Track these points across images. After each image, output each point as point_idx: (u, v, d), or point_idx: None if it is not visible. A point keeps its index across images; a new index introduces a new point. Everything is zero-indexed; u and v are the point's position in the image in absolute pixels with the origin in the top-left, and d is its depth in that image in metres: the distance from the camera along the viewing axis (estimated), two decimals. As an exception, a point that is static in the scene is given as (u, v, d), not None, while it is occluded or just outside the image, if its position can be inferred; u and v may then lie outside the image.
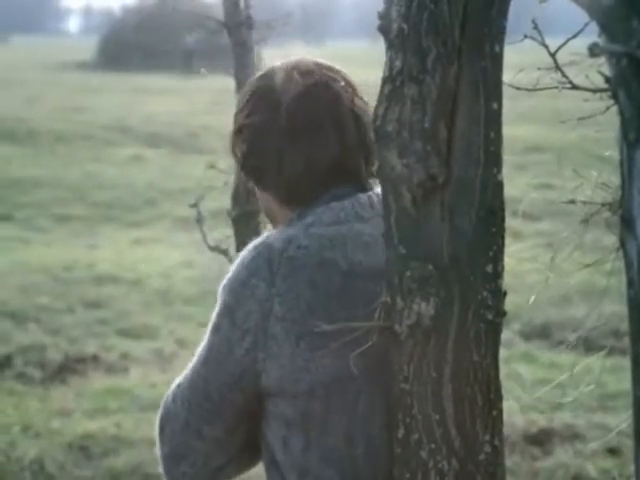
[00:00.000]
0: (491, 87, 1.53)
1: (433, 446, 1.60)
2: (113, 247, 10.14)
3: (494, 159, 1.55)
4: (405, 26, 1.50)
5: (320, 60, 1.91)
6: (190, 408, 1.94)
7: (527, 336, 6.98)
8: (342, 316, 1.73)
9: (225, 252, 3.21)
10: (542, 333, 7.07)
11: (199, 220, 3.34)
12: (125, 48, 47.17)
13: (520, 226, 10.96)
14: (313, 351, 1.73)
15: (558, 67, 1.78)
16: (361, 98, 1.88)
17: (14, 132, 19.93)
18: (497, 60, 1.54)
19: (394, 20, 1.51)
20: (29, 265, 8.79)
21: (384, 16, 1.53)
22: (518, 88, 1.84)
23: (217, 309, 1.87)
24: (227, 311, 1.84)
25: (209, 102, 26.70)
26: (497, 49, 1.53)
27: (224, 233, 3.05)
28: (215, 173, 3.27)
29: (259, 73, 1.94)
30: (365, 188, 1.90)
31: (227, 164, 3.04)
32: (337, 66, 1.92)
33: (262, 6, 3.33)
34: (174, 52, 44.08)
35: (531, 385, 5.95)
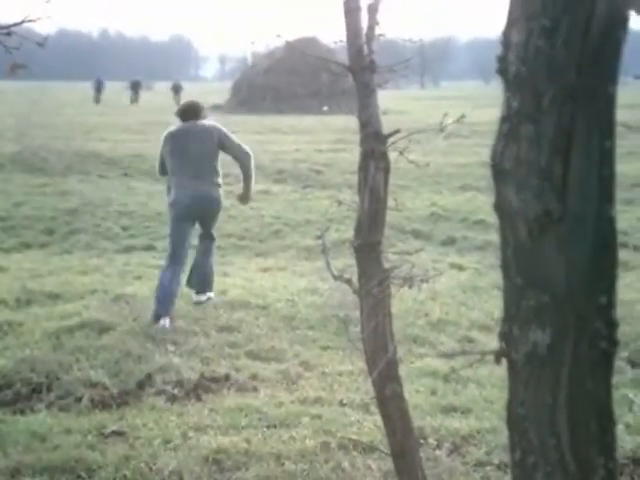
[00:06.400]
0: (605, 126, 1.50)
1: (549, 469, 1.56)
2: (244, 275, 10.26)
3: (607, 195, 1.51)
4: (523, 69, 1.48)
5: None
6: None
7: (635, 363, 6.79)
8: None
9: (349, 281, 3.21)
10: (650, 360, 6.86)
11: (324, 251, 3.35)
12: (256, 91, 47.94)
13: (628, 257, 10.71)
14: None
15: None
16: None
17: (157, 170, 20.39)
18: (611, 100, 1.51)
19: (512, 63, 1.50)
20: (168, 291, 8.93)
21: (502, 59, 1.51)
22: (630, 127, 1.79)
23: None
24: None
25: (333, 140, 26.91)
26: (611, 90, 1.50)
27: (345, 262, 3.05)
28: (336, 206, 3.29)
29: None
30: None
31: (349, 198, 3.06)
32: None
33: (382, 51, 3.33)
34: (301, 94, 44.53)
35: (639, 410, 5.78)
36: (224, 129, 8.27)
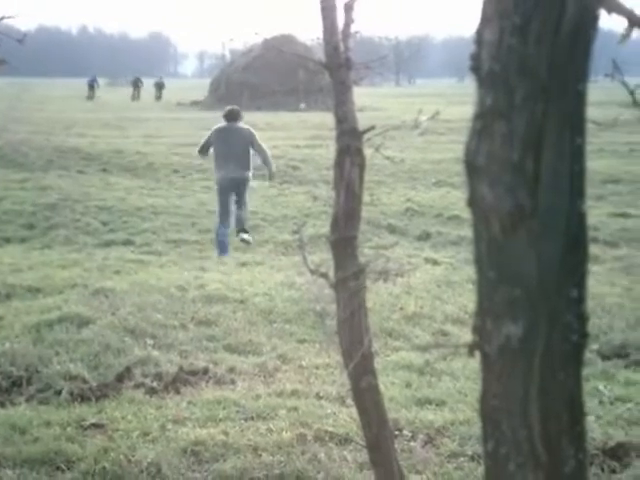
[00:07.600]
0: (576, 123, 1.50)
1: (521, 460, 1.56)
2: (221, 269, 10.25)
3: (578, 191, 1.51)
4: (495, 66, 1.48)
5: None
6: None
7: (605, 355, 6.83)
8: None
9: (325, 275, 3.20)
10: (620, 353, 6.91)
11: (301, 245, 3.34)
12: (233, 88, 47.80)
13: (599, 251, 10.77)
14: None
15: (638, 104, 1.74)
16: None
17: (136, 165, 20.36)
18: (581, 98, 1.51)
19: (485, 61, 1.49)
20: (146, 285, 8.92)
21: (476, 57, 1.51)
22: (599, 124, 1.79)
23: None
24: None
25: (309, 137, 26.90)
26: (581, 87, 1.50)
27: (322, 257, 3.04)
28: (312, 202, 3.29)
29: None
30: None
31: (325, 194, 3.06)
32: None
33: (359, 48, 3.33)
34: (278, 91, 44.46)
35: (609, 401, 5.81)
36: (255, 133, 12.02)
